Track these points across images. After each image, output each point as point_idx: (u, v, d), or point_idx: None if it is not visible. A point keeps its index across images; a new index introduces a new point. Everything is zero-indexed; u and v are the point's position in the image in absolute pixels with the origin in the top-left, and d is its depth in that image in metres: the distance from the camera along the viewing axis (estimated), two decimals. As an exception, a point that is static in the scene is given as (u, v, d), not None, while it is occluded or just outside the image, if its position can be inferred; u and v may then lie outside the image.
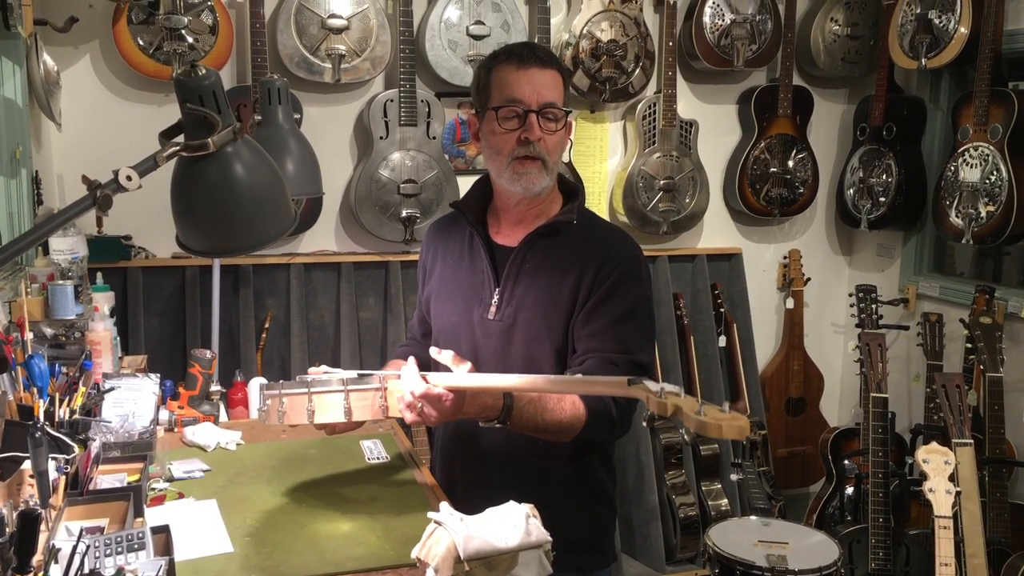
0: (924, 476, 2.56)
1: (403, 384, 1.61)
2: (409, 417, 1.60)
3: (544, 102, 1.73)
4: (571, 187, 1.90)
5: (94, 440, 1.69)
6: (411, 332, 2.09)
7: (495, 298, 1.80)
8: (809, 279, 4.10)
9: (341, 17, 3.26)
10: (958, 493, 2.55)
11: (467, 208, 1.89)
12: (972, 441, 2.70)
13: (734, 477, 3.76)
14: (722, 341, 3.90)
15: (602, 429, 1.72)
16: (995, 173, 3.27)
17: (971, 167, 3.36)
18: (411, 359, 1.64)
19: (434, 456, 2.01)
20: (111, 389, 1.90)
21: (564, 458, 1.82)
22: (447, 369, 1.64)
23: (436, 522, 1.41)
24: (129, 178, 1.12)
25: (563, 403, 1.68)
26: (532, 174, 1.74)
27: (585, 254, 1.78)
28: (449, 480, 1.87)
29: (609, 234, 1.85)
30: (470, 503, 1.48)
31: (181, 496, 1.76)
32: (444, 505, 1.46)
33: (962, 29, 3.30)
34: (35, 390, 1.69)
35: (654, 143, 3.71)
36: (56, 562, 1.22)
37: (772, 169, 3.87)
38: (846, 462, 3.40)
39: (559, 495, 1.80)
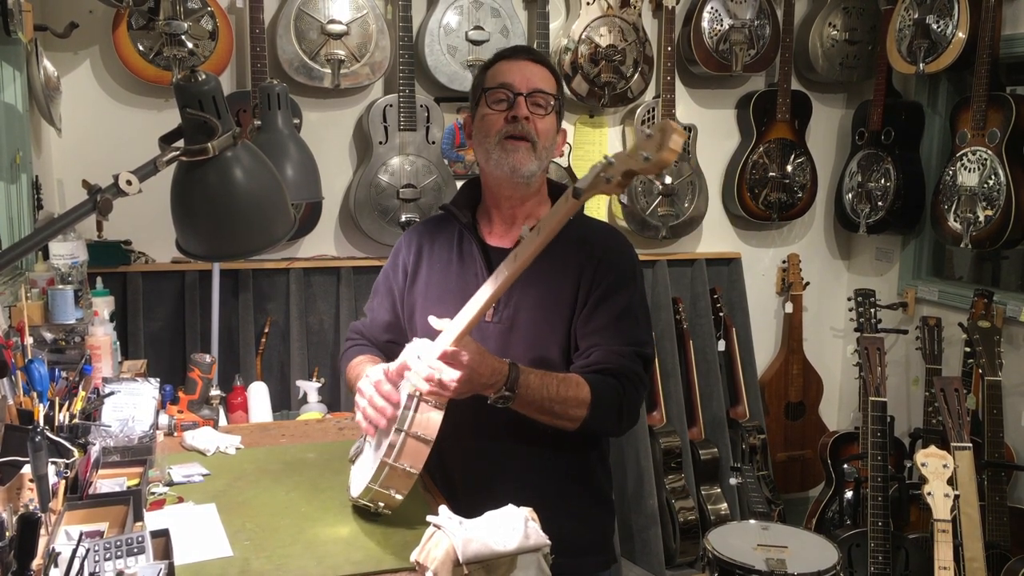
0: (923, 480, 2.56)
1: (416, 355, 1.59)
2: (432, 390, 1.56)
3: (533, 87, 1.77)
4: (560, 188, 1.90)
5: (94, 444, 1.69)
6: (357, 335, 2.00)
7: None
8: (808, 283, 4.10)
9: (340, 22, 3.27)
10: (957, 497, 2.55)
11: (458, 210, 1.89)
12: (971, 445, 2.70)
13: (733, 481, 3.76)
14: (721, 345, 3.90)
15: (609, 415, 1.72)
16: (993, 177, 3.27)
17: (969, 171, 3.36)
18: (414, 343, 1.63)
19: (431, 461, 1.98)
20: (111, 393, 1.91)
21: (562, 460, 1.82)
22: None
23: (435, 526, 1.41)
24: (129, 183, 1.12)
25: (568, 380, 1.68)
26: (520, 152, 1.76)
27: (582, 254, 1.80)
28: (449, 484, 1.87)
29: (604, 234, 1.88)
30: (470, 508, 1.48)
31: (181, 500, 1.76)
32: (443, 509, 1.46)
33: (960, 34, 3.31)
34: (35, 394, 1.69)
35: (653, 148, 3.71)
36: (56, 566, 1.23)
37: (771, 174, 3.88)
38: (845, 466, 3.41)
39: (558, 498, 1.80)
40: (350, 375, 1.92)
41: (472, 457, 1.83)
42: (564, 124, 1.90)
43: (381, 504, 1.63)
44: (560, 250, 1.79)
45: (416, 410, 1.57)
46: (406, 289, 1.91)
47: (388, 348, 1.93)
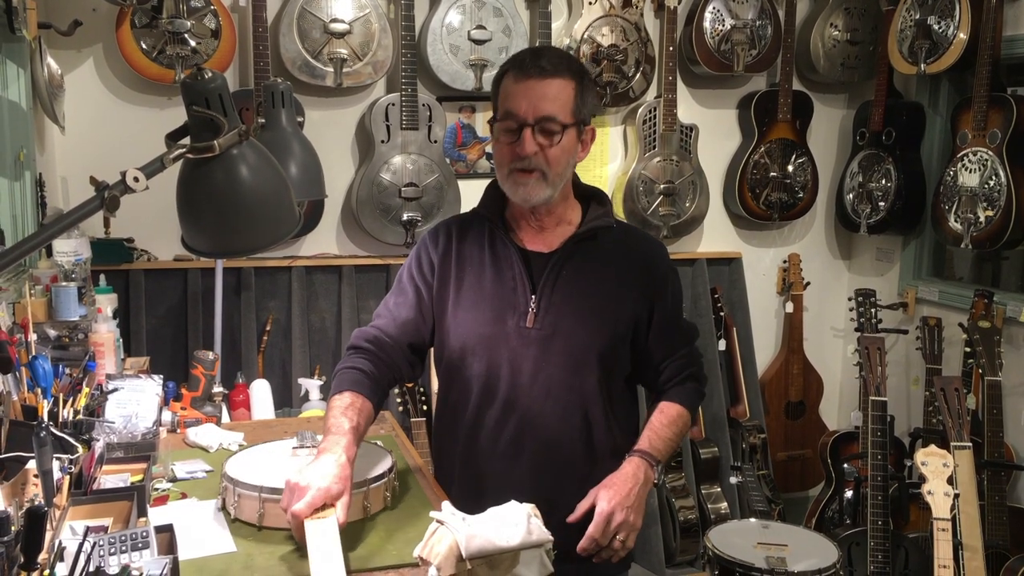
0: (923, 479, 2.57)
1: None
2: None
3: (540, 115, 1.68)
4: (590, 191, 1.89)
5: (98, 440, 1.69)
6: (367, 344, 1.83)
7: (532, 306, 1.77)
8: (809, 283, 4.11)
9: (343, 21, 3.27)
10: (956, 496, 2.56)
11: (490, 213, 1.84)
12: (971, 444, 2.71)
13: (734, 480, 3.77)
14: (722, 345, 3.91)
15: (698, 404, 1.94)
16: (994, 178, 3.28)
17: (970, 172, 3.37)
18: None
19: (455, 462, 1.90)
20: (114, 390, 1.91)
21: (602, 463, 1.81)
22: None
23: (438, 521, 1.42)
24: (136, 179, 1.13)
25: (672, 418, 1.83)
26: (530, 185, 1.72)
27: (633, 265, 1.83)
28: (477, 487, 1.84)
29: (649, 243, 1.91)
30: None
31: (184, 496, 1.77)
32: (446, 504, 1.47)
33: (961, 35, 3.32)
34: (39, 391, 1.70)
35: (654, 147, 3.73)
36: (62, 560, 1.23)
37: (772, 173, 3.89)
38: (845, 465, 3.41)
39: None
40: (330, 414, 1.69)
41: (509, 465, 1.82)
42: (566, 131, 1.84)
43: None
44: (605, 257, 1.81)
45: None
46: (435, 288, 1.84)
47: (407, 359, 1.84)
